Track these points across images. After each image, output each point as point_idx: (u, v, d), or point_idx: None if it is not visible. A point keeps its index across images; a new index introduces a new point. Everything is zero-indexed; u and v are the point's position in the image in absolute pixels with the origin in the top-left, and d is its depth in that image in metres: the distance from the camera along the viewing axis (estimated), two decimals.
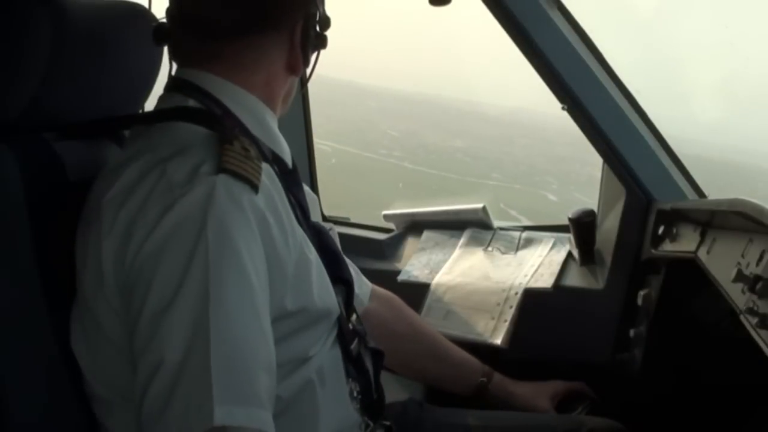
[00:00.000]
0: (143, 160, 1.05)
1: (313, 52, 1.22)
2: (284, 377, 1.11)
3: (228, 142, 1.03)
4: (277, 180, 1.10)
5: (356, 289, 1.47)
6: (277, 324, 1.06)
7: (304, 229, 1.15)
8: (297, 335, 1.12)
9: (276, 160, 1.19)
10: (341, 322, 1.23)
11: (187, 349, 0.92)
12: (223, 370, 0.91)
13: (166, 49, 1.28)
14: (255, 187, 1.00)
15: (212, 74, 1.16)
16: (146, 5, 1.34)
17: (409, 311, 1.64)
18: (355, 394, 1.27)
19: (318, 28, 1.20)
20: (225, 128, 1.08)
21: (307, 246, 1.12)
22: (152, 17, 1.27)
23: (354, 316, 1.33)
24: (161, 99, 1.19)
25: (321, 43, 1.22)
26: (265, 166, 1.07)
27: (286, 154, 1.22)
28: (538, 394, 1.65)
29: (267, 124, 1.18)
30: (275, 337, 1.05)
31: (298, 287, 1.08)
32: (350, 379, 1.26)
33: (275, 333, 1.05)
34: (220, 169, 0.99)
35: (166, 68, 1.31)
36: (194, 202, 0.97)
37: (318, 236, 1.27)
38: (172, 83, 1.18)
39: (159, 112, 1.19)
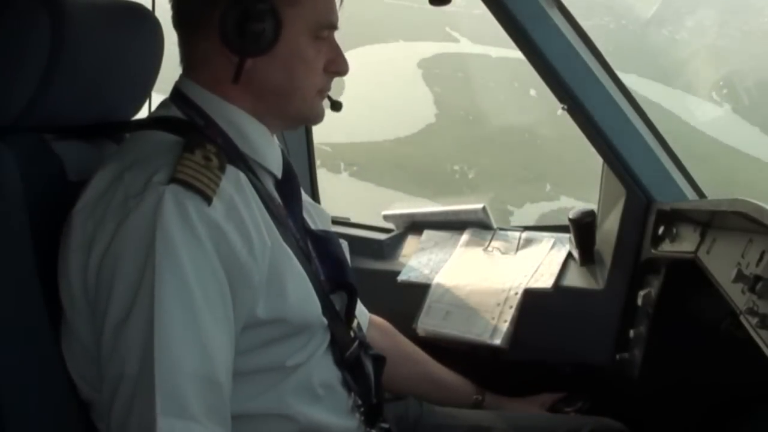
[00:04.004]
0: (109, 168, 1.07)
1: (248, 51, 1.10)
2: (267, 389, 1.13)
3: (189, 151, 1.04)
4: (247, 189, 1.10)
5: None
6: (250, 333, 1.08)
7: (290, 239, 1.15)
8: (274, 344, 1.13)
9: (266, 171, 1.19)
10: (333, 330, 1.22)
11: (141, 362, 0.96)
12: (165, 383, 0.95)
13: (166, 50, 1.28)
14: (207, 198, 1.01)
15: (194, 82, 1.16)
16: (149, 6, 1.34)
17: (402, 338, 1.64)
18: (357, 405, 1.27)
19: (254, 24, 1.08)
20: (193, 137, 1.08)
21: (284, 255, 1.12)
22: (154, 19, 1.27)
23: (355, 323, 1.33)
24: (158, 107, 1.20)
25: (252, 40, 1.09)
26: (232, 175, 1.07)
27: (273, 164, 1.21)
28: (530, 408, 1.66)
29: (247, 134, 1.16)
30: (248, 345, 1.08)
31: (270, 296, 1.09)
32: (352, 393, 1.26)
33: (248, 342, 1.08)
34: (172, 178, 1.00)
35: (167, 69, 1.31)
36: (144, 214, 0.98)
37: (320, 243, 1.27)
38: (171, 92, 1.19)
39: (142, 121, 1.21)
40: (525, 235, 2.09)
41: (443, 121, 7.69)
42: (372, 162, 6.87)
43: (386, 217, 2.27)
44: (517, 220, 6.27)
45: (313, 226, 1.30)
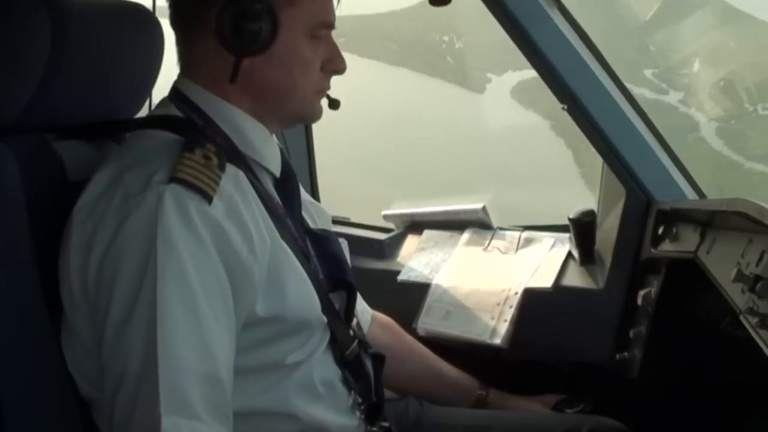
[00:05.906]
0: (109, 168, 1.07)
1: (244, 51, 1.09)
2: (269, 387, 1.13)
3: (189, 150, 1.04)
4: (246, 188, 1.10)
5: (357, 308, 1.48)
6: (250, 330, 1.08)
7: (288, 237, 1.15)
8: (272, 342, 1.13)
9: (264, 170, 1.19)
10: (333, 329, 1.22)
11: (143, 361, 0.96)
12: (168, 381, 0.95)
13: (166, 50, 1.28)
14: (208, 197, 1.01)
15: (192, 82, 1.16)
16: (149, 6, 1.34)
17: (406, 335, 1.64)
18: (358, 403, 1.27)
19: (247, 22, 1.07)
20: (192, 136, 1.08)
21: (283, 254, 1.12)
22: (154, 19, 1.27)
23: (354, 321, 1.33)
24: (157, 106, 1.21)
25: (248, 39, 1.08)
26: (231, 173, 1.07)
27: (272, 163, 1.21)
28: (533, 407, 1.66)
29: (246, 134, 1.16)
30: (248, 343, 1.08)
31: (269, 294, 1.09)
32: (352, 392, 1.26)
33: (248, 340, 1.08)
34: (172, 178, 1.00)
35: (167, 69, 1.31)
36: (145, 214, 0.99)
37: (319, 242, 1.28)
38: (170, 91, 1.19)
39: (142, 120, 1.21)
40: (525, 234, 2.09)
41: None
42: (361, 34, 6.70)
43: (386, 217, 2.27)
44: (495, 85, 6.23)
45: (312, 225, 1.31)
